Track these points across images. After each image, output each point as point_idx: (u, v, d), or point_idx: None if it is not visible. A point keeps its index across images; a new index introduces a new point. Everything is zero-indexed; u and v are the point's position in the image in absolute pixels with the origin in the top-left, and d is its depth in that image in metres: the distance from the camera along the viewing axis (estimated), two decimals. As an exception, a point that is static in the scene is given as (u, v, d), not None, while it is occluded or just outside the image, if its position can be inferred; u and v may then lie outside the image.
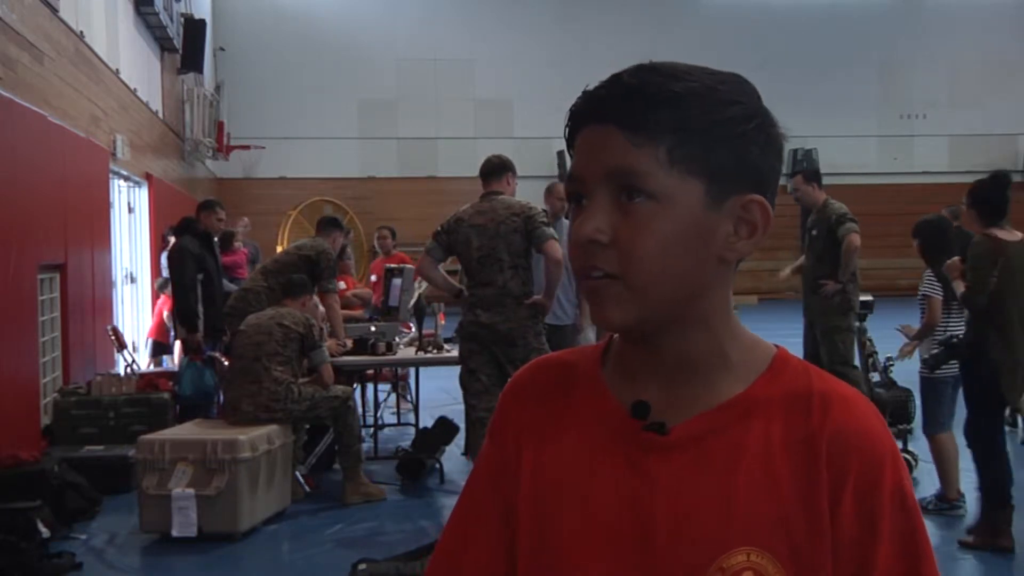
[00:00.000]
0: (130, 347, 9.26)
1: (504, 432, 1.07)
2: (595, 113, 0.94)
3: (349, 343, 6.88)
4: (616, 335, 1.03)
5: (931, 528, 5.05)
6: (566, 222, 7.23)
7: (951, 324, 5.42)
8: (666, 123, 0.91)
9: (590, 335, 6.67)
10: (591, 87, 0.96)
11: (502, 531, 1.04)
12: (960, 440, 5.34)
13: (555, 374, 1.07)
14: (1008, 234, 4.97)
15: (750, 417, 0.95)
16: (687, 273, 0.93)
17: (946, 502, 5.52)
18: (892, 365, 6.82)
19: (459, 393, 5.73)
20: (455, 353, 5.85)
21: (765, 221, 0.95)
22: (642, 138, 0.91)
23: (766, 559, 0.92)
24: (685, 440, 0.95)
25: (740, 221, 0.95)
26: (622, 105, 0.92)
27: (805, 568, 0.92)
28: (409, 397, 7.80)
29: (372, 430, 7.52)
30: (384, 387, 8.57)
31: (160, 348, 9.66)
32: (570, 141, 0.98)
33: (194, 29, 15.21)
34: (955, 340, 5.24)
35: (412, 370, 7.84)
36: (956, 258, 5.08)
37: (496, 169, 5.62)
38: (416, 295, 7.95)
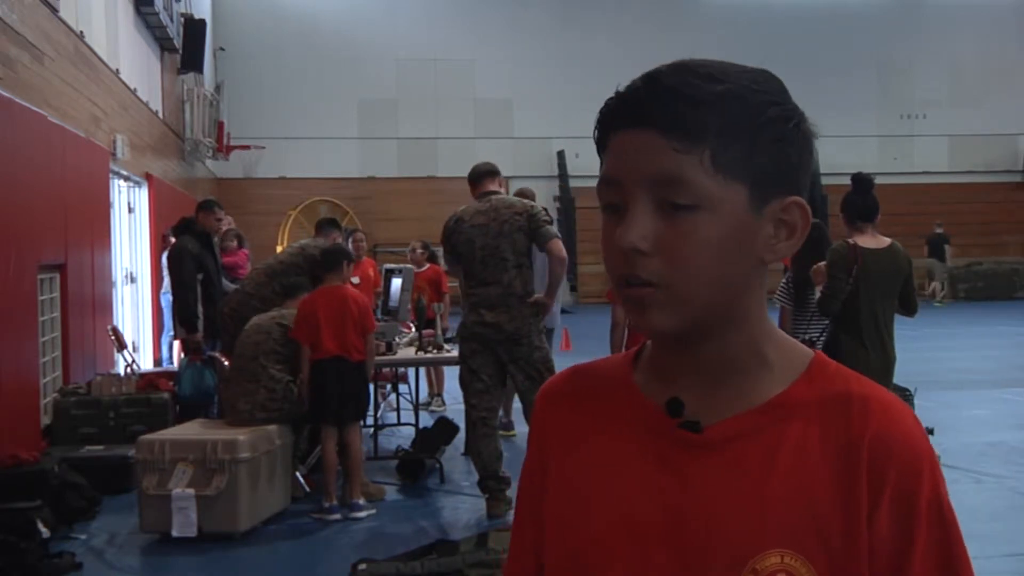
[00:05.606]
0: (130, 347, 9.26)
1: (535, 437, 1.08)
2: (633, 116, 0.91)
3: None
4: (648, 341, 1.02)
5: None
6: None
7: (811, 328, 5.29)
8: (709, 127, 0.88)
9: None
10: (622, 88, 0.93)
11: (534, 535, 1.05)
12: None
13: (588, 380, 1.06)
14: (872, 240, 4.94)
15: (789, 419, 0.94)
16: (731, 277, 0.92)
17: None
18: None
19: (459, 393, 5.72)
20: (455, 353, 5.85)
21: (805, 222, 0.94)
22: (686, 143, 0.88)
23: (799, 561, 0.90)
24: (720, 440, 0.94)
25: (780, 223, 0.93)
26: (663, 108, 0.89)
27: (839, 572, 0.90)
28: (409, 397, 7.80)
29: (372, 430, 7.52)
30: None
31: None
32: (601, 143, 0.95)
33: (194, 29, 15.22)
34: (805, 341, 5.24)
35: (412, 370, 7.85)
36: (821, 263, 4.98)
37: (485, 172, 5.67)
38: (415, 295, 7.94)
